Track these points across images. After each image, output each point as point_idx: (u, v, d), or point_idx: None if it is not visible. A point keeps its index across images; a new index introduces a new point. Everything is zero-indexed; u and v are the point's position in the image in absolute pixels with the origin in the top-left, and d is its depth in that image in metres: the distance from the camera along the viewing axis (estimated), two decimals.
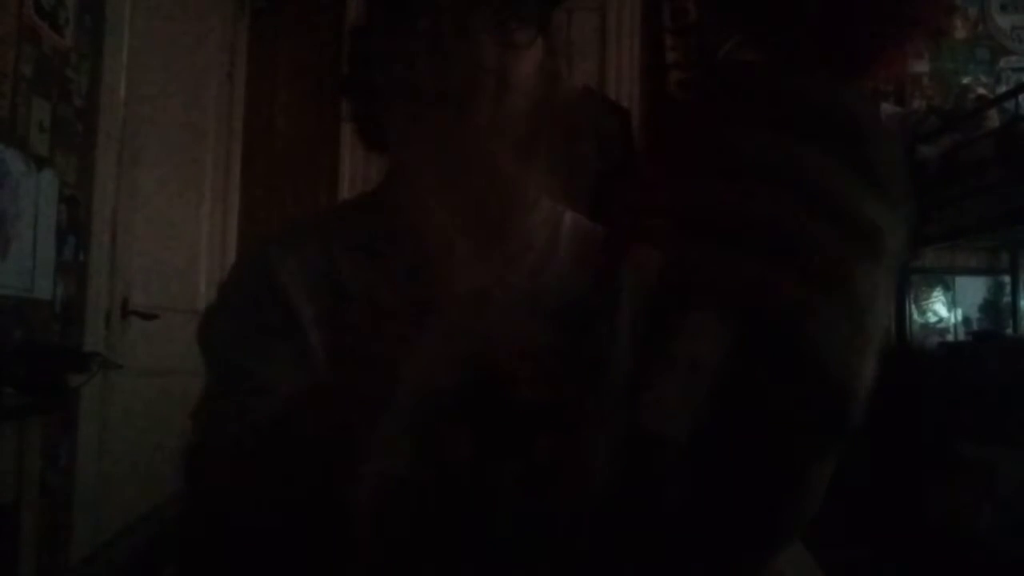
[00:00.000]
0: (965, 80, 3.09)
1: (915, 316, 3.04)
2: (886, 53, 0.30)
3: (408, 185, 0.62)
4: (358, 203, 0.70)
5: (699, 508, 0.44)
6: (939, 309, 3.09)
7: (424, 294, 0.54)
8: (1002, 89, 2.91)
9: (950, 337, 3.04)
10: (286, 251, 0.63)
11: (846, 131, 0.28)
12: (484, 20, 0.56)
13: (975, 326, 3.05)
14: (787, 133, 0.27)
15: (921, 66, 3.11)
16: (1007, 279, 3.04)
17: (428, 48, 0.55)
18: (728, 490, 0.42)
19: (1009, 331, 2.98)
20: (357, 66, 0.65)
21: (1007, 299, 3.04)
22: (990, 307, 3.08)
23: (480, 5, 0.56)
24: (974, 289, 3.09)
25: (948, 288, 3.08)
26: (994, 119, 2.66)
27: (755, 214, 0.27)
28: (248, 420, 0.53)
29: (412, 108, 0.57)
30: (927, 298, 3.08)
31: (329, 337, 0.58)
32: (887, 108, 3.01)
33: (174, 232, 2.65)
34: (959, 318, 3.07)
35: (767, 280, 0.27)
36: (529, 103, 0.59)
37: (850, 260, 0.27)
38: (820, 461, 0.40)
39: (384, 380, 0.49)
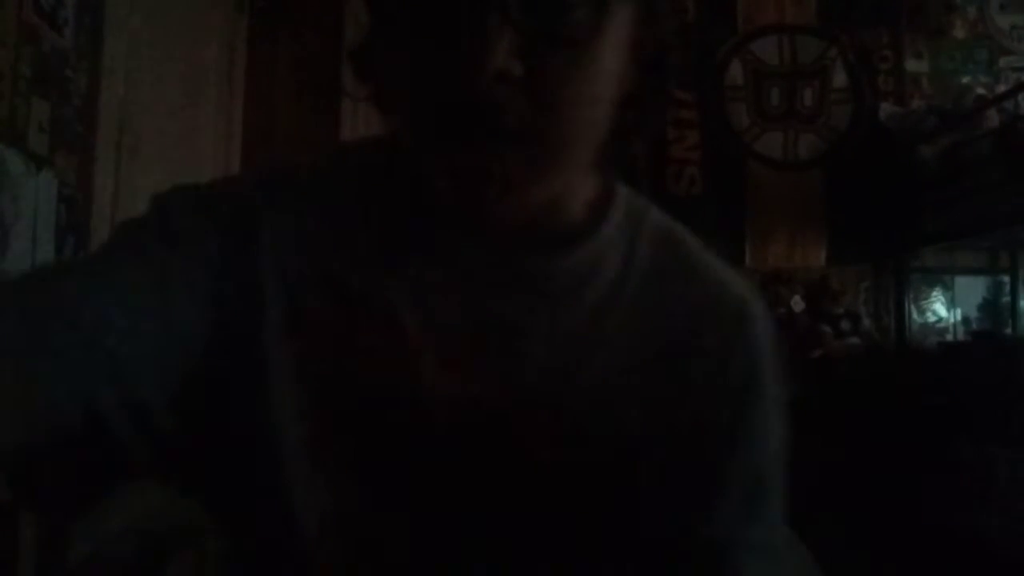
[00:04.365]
0: (965, 80, 3.09)
1: (915, 316, 3.04)
2: None
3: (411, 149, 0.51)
4: (357, 147, 0.63)
5: None
6: (939, 309, 3.08)
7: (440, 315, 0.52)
8: (1002, 89, 2.91)
9: (950, 337, 3.04)
10: (280, 211, 0.55)
11: None
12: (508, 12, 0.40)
13: (975, 326, 3.05)
14: None
15: (921, 66, 3.11)
16: (1007, 279, 3.04)
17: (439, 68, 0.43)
18: None
19: (1009, 331, 2.98)
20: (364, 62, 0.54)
21: (1007, 299, 3.03)
22: (990, 307, 3.07)
23: None
24: (974, 289, 3.09)
25: (948, 288, 3.08)
26: (994, 119, 2.65)
27: None
28: None
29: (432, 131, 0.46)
30: (927, 298, 3.07)
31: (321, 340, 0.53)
32: (887, 108, 3.01)
33: None
34: (959, 318, 3.07)
35: None
36: (599, 108, 0.46)
37: None
38: None
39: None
